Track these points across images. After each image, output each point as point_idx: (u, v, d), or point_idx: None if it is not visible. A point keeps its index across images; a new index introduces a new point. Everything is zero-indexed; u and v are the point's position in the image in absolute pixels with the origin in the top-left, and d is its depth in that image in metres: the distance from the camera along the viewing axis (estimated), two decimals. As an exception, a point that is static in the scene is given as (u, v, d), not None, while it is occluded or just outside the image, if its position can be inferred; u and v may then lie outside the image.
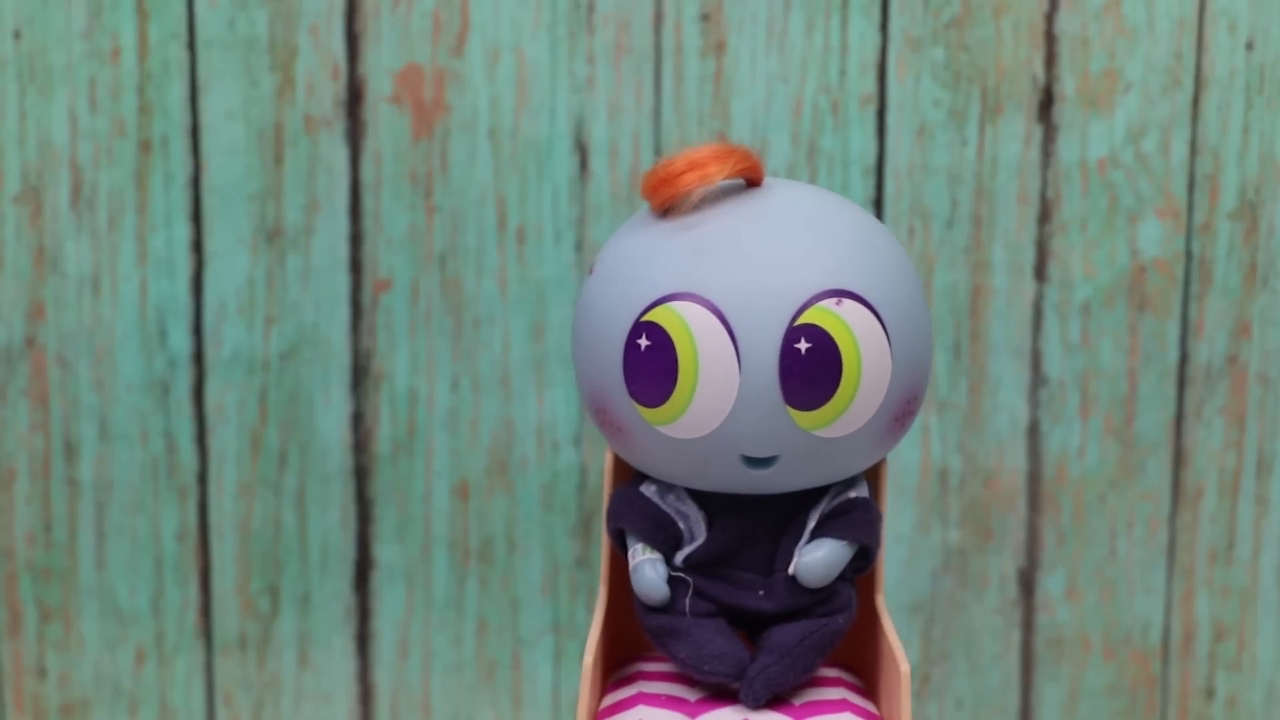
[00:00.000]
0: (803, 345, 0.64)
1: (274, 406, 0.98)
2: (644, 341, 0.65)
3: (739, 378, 0.64)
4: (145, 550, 0.99)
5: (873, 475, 0.72)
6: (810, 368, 0.64)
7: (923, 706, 1.00)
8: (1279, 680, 1.00)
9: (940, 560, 0.99)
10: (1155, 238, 0.96)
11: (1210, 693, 1.00)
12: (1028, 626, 1.00)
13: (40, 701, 1.01)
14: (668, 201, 0.67)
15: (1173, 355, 0.97)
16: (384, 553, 1.00)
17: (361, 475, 0.99)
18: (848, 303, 0.65)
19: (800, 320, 0.64)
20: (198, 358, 0.98)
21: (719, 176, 0.66)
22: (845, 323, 0.64)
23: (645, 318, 0.65)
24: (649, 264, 0.66)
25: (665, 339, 0.65)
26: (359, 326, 0.98)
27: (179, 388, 0.98)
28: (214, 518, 0.99)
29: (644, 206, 0.69)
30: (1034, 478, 0.98)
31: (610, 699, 0.70)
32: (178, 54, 0.96)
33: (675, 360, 0.64)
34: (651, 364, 0.65)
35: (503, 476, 0.99)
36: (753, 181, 0.68)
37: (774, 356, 0.64)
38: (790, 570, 0.68)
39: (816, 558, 0.68)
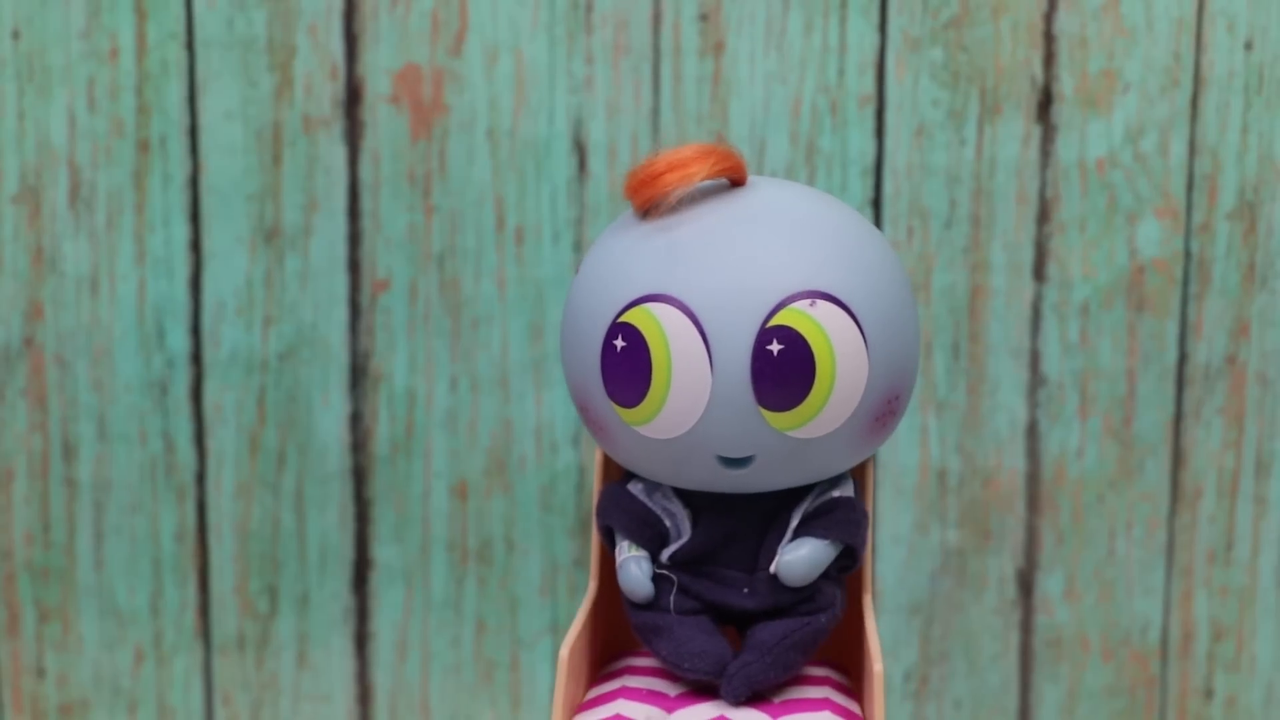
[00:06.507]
0: (774, 347, 0.64)
1: (272, 407, 0.98)
2: (619, 342, 0.65)
3: (711, 379, 0.64)
4: (144, 550, 1.00)
5: (860, 474, 0.71)
6: (782, 369, 0.64)
7: (921, 707, 1.00)
8: (1278, 680, 1.00)
9: (939, 561, 0.99)
10: (1154, 238, 0.96)
11: (1209, 693, 1.00)
12: (1026, 627, 0.99)
13: (39, 701, 1.01)
14: (649, 202, 0.66)
15: (1171, 355, 0.97)
16: (382, 553, 1.00)
17: (360, 475, 0.99)
18: (821, 304, 0.64)
19: (772, 322, 0.64)
20: (196, 358, 0.98)
21: (700, 176, 0.66)
22: (819, 324, 0.64)
23: (621, 319, 0.65)
24: (627, 265, 0.66)
25: (639, 340, 0.64)
26: (357, 327, 0.98)
27: (177, 388, 0.98)
28: (212, 518, 0.99)
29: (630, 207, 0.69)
30: (1033, 478, 0.98)
31: (594, 692, 0.70)
32: (176, 54, 0.96)
33: (649, 361, 0.64)
34: (626, 365, 0.65)
35: (501, 477, 0.99)
36: (736, 181, 0.68)
37: (746, 358, 0.64)
38: (772, 569, 0.68)
39: (798, 556, 0.68)
